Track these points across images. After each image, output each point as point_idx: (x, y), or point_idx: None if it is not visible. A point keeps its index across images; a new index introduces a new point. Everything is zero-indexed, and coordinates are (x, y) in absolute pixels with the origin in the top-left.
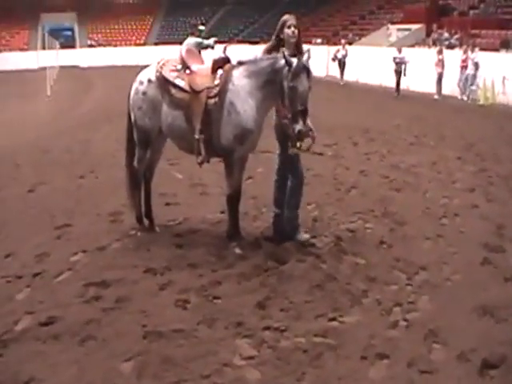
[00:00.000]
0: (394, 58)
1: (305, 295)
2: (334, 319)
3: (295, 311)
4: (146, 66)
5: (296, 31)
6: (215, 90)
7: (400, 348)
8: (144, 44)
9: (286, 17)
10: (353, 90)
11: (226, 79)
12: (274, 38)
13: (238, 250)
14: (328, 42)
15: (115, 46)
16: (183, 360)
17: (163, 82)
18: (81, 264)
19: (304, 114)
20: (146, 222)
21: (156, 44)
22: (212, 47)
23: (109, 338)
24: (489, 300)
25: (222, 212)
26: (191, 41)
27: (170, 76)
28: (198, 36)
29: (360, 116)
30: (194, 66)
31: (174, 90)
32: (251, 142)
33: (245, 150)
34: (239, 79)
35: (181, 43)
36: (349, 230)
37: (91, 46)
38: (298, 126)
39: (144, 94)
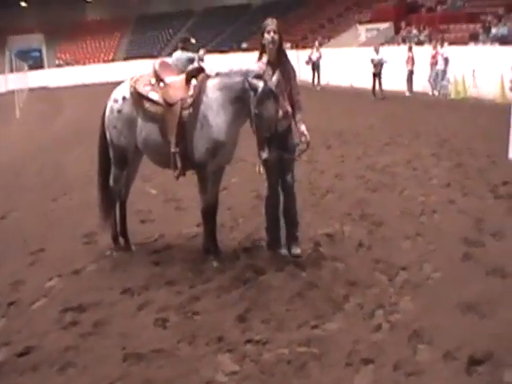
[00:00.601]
0: (372, 60)
1: (285, 305)
2: (316, 327)
3: (276, 322)
4: (116, 83)
5: (276, 36)
6: (189, 101)
7: (385, 351)
8: (113, 60)
9: (266, 21)
10: (324, 93)
11: (200, 90)
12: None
13: (215, 264)
14: (297, 46)
15: (84, 64)
16: (164, 381)
17: (137, 98)
18: (56, 289)
19: (270, 140)
20: (121, 241)
21: (125, 59)
22: (202, 59)
23: (88, 364)
24: (471, 296)
25: (198, 226)
26: (182, 56)
27: (144, 90)
28: (188, 50)
29: (333, 119)
30: (168, 79)
31: (147, 104)
32: (224, 155)
33: (218, 163)
34: (213, 91)
35: (151, 57)
36: (327, 235)
37: (59, 65)
38: (264, 154)
39: (119, 112)
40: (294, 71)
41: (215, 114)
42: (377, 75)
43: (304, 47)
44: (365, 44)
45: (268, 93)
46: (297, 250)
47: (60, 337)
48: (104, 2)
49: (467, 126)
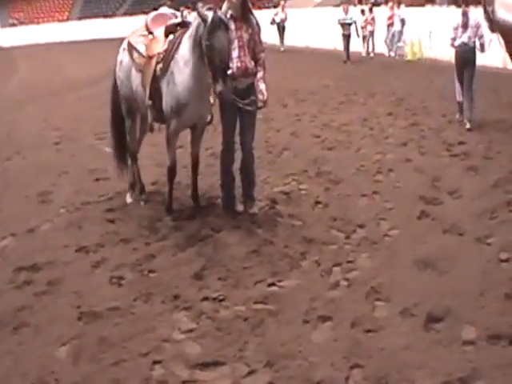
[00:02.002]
0: (339, 20)
1: (242, 262)
2: (273, 284)
3: (233, 279)
4: (70, 42)
5: None
6: (161, 56)
7: (342, 308)
8: (67, 19)
9: None
10: (281, 53)
11: (173, 46)
12: None
13: (169, 223)
14: (253, 5)
15: (38, 23)
16: (120, 339)
17: (130, 48)
18: (10, 249)
19: (224, 73)
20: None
21: (79, 19)
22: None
23: (42, 323)
24: (429, 253)
25: (153, 183)
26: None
27: (135, 41)
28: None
29: (288, 78)
30: (157, 31)
31: (135, 55)
32: (190, 114)
33: (184, 122)
34: (184, 46)
35: (106, 16)
36: (283, 193)
37: (13, 25)
38: (219, 87)
39: (121, 62)
40: (258, 27)
41: (180, 71)
42: (346, 37)
43: (260, 8)
44: (320, 4)
45: (218, 22)
46: (254, 210)
47: (14, 296)
48: None
49: (423, 86)
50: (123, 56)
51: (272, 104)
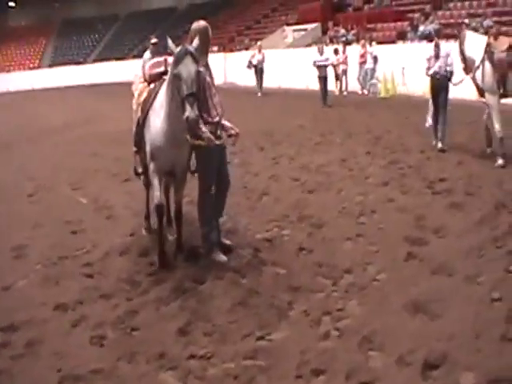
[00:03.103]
0: (315, 62)
1: (228, 315)
2: (262, 338)
3: (220, 334)
4: (41, 90)
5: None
6: (142, 105)
7: (335, 360)
8: (38, 67)
9: (194, 25)
10: (252, 95)
11: (152, 94)
12: None
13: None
14: (224, 48)
15: (8, 71)
16: None
17: (132, 93)
18: None
19: (193, 99)
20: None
21: (50, 66)
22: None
23: None
24: (419, 296)
25: (131, 235)
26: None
27: (135, 87)
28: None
29: (263, 120)
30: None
31: (133, 101)
32: (165, 158)
33: (161, 167)
34: (161, 92)
35: (77, 63)
36: (266, 240)
37: None
38: (186, 113)
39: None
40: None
41: (156, 115)
42: (322, 79)
43: (231, 50)
44: (292, 45)
45: (185, 51)
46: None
47: None
48: (27, 7)
49: (399, 123)
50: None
51: (248, 147)
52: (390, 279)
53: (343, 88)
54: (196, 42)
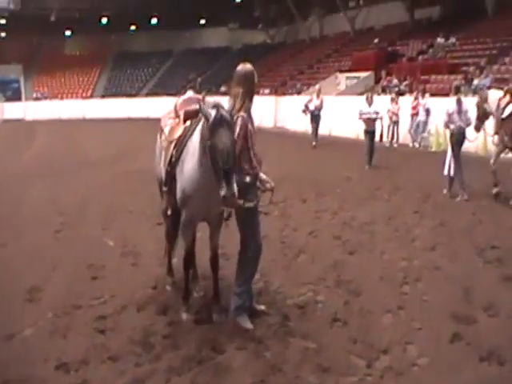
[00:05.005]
0: (361, 114)
1: None
2: None
3: None
4: (92, 120)
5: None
6: (175, 142)
7: None
8: (91, 97)
9: (238, 68)
10: (301, 141)
11: (187, 133)
12: None
13: (184, 316)
14: (276, 91)
15: (61, 98)
16: None
17: (160, 129)
18: None
19: (228, 175)
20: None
21: (103, 97)
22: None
23: None
24: None
25: (154, 287)
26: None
27: (164, 123)
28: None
29: (309, 169)
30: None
31: (162, 137)
32: (198, 206)
33: (194, 214)
34: (196, 134)
35: (129, 95)
36: (297, 306)
37: (37, 98)
38: (222, 192)
39: (159, 142)
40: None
41: (190, 160)
42: (370, 134)
43: (283, 94)
44: (344, 92)
45: (220, 120)
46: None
47: None
48: (83, 37)
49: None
50: (158, 136)
51: (291, 197)
52: (432, 364)
53: (394, 140)
54: (231, 103)
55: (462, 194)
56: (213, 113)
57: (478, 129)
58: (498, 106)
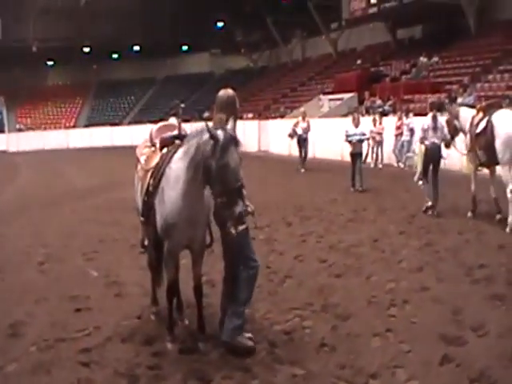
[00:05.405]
0: (347, 136)
1: None
2: None
3: None
4: (76, 149)
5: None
6: (152, 171)
7: None
8: (74, 126)
9: (219, 94)
10: (284, 165)
11: (165, 160)
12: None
13: (169, 346)
14: (260, 115)
15: (45, 129)
16: None
17: (136, 159)
18: None
19: (241, 191)
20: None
21: (86, 126)
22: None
23: None
24: None
25: (139, 317)
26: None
27: (140, 152)
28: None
29: (293, 192)
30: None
31: (139, 167)
32: (181, 235)
33: (177, 243)
34: (176, 161)
35: (113, 124)
36: (284, 332)
37: (20, 130)
38: (239, 208)
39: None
40: None
41: (171, 188)
42: (356, 156)
43: (266, 118)
44: (327, 115)
45: (229, 139)
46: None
47: None
48: (65, 67)
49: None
50: (135, 166)
51: (276, 222)
52: None
53: (378, 160)
54: (231, 123)
55: (426, 202)
56: (221, 134)
57: (447, 145)
58: (472, 123)
